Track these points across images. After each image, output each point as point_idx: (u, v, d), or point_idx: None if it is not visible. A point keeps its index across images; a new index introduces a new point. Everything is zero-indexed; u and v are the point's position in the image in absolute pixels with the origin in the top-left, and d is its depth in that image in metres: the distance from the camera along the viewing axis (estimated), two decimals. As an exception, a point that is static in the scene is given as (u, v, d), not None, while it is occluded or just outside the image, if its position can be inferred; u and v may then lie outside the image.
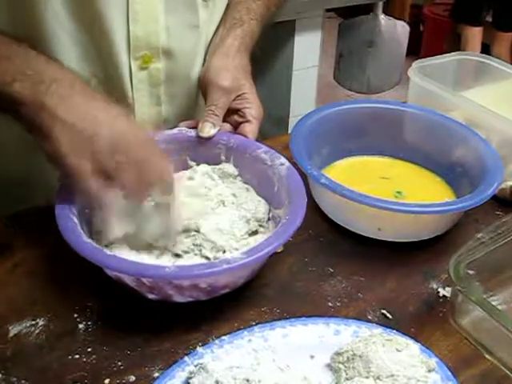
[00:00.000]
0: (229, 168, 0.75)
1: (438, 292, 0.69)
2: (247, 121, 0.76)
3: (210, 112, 0.75)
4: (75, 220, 0.62)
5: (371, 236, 0.75)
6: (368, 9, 2.17)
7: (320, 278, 0.70)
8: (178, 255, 0.66)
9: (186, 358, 0.57)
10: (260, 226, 0.70)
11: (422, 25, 3.67)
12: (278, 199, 0.70)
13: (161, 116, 0.83)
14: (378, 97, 2.30)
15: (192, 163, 0.76)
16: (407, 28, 2.24)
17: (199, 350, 0.58)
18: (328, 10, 2.05)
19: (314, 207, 0.78)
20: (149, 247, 0.66)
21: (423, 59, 0.99)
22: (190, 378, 0.54)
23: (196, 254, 0.66)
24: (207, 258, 0.65)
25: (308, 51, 1.99)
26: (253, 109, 0.77)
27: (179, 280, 0.59)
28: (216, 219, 0.68)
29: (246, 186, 0.74)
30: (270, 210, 0.72)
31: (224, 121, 0.76)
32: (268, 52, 1.95)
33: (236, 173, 0.75)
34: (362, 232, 0.76)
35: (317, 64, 2.05)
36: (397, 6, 3.38)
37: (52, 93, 0.60)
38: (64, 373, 0.57)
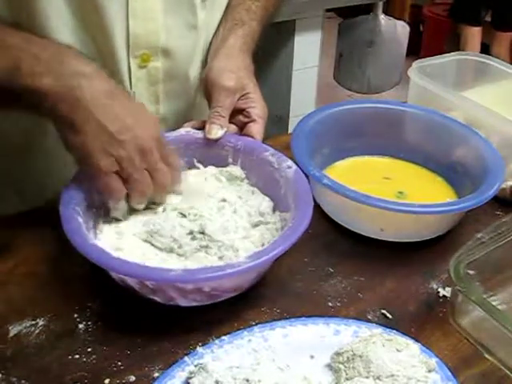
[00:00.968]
0: (236, 171, 0.75)
1: (438, 292, 0.69)
2: (253, 120, 0.76)
3: (216, 114, 0.74)
4: (80, 221, 0.62)
5: (373, 236, 0.75)
6: (368, 9, 2.17)
7: (320, 278, 0.70)
8: (181, 255, 0.66)
9: (186, 358, 0.57)
10: (262, 217, 0.70)
11: (422, 25, 3.67)
12: (285, 202, 0.69)
13: (159, 114, 0.84)
14: (377, 97, 2.30)
15: (199, 165, 0.76)
16: (407, 28, 2.25)
17: (199, 349, 0.58)
18: (328, 10, 2.06)
19: (314, 207, 0.77)
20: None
21: (423, 59, 0.99)
22: (190, 378, 0.54)
23: (204, 255, 0.66)
24: (220, 257, 0.65)
25: (308, 51, 2.00)
26: (258, 108, 0.77)
27: (183, 284, 0.59)
28: (220, 219, 0.67)
29: (253, 188, 0.74)
30: (274, 209, 0.72)
31: (229, 121, 0.76)
32: (268, 52, 1.95)
33: (243, 175, 0.75)
34: (364, 232, 0.76)
35: (317, 64, 2.05)
36: (397, 6, 3.38)
37: (83, 88, 0.61)
38: (64, 373, 0.57)
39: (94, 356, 0.59)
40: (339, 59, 2.27)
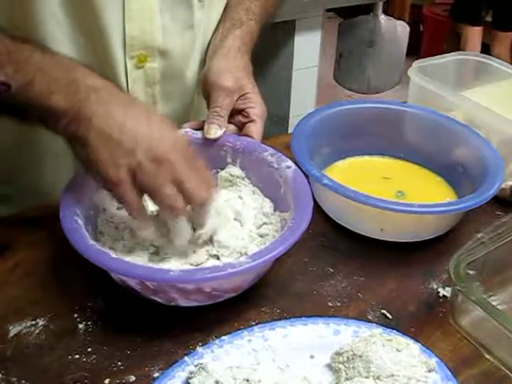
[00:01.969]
0: (236, 171, 0.75)
1: (438, 292, 0.69)
2: (252, 120, 0.76)
3: (215, 114, 0.74)
4: (80, 222, 0.62)
5: (373, 236, 0.75)
6: (368, 9, 2.17)
7: (320, 278, 0.70)
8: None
9: (186, 358, 0.57)
10: (266, 218, 0.70)
11: (422, 25, 3.67)
12: (285, 202, 0.69)
13: None
14: (378, 97, 2.30)
15: None
16: (407, 28, 2.24)
17: (199, 349, 0.58)
18: (328, 10, 2.06)
19: (314, 207, 0.77)
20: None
21: (423, 59, 0.99)
22: (190, 378, 0.54)
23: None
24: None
25: (308, 51, 1.99)
26: (256, 108, 0.77)
27: (183, 284, 0.59)
28: (227, 225, 0.68)
29: (253, 188, 0.74)
30: (274, 209, 0.72)
31: (228, 122, 0.76)
32: (268, 52, 1.95)
33: (243, 175, 0.75)
34: (364, 232, 0.76)
35: (317, 64, 2.05)
36: (397, 6, 3.38)
37: (90, 104, 0.59)
38: (64, 373, 0.57)
39: (93, 356, 0.59)
40: (339, 59, 2.27)
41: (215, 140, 0.74)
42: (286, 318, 0.63)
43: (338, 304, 0.67)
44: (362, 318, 0.64)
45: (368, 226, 0.75)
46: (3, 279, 0.67)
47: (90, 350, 0.60)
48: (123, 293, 0.63)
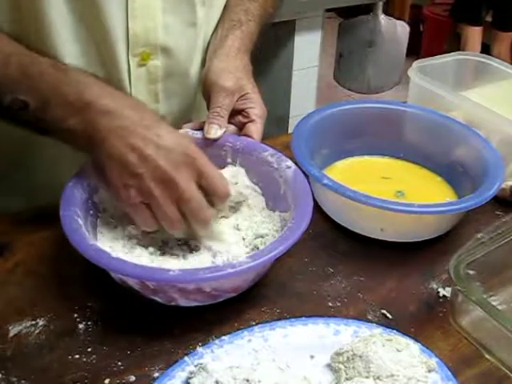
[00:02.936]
0: (235, 170, 0.75)
1: (438, 292, 0.69)
2: (251, 120, 0.76)
3: (215, 114, 0.74)
4: (80, 222, 0.62)
5: (373, 236, 0.75)
6: (368, 9, 2.17)
7: (320, 278, 0.70)
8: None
9: (186, 358, 0.57)
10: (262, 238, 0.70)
11: (422, 25, 3.67)
12: (285, 202, 0.69)
13: (158, 113, 0.83)
14: (378, 97, 2.30)
15: None
16: (407, 28, 2.24)
17: (199, 349, 0.58)
18: (328, 10, 2.06)
19: (314, 207, 0.77)
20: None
21: (423, 59, 0.99)
22: (190, 378, 0.54)
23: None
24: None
25: (308, 51, 2.00)
26: (256, 108, 0.77)
27: (183, 284, 0.59)
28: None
29: (251, 184, 0.74)
30: (274, 209, 0.72)
31: (228, 122, 0.76)
32: (268, 52, 1.95)
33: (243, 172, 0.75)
34: (364, 232, 0.76)
35: (317, 64, 2.05)
36: (397, 6, 3.38)
37: (101, 127, 0.61)
38: (64, 373, 0.57)
39: (93, 356, 0.59)
40: (339, 59, 2.27)
41: (215, 140, 0.74)
42: (286, 318, 0.63)
43: (338, 304, 0.67)
44: (361, 318, 0.64)
45: (368, 226, 0.75)
46: (3, 279, 0.67)
47: (89, 350, 0.60)
48: (123, 293, 0.63)
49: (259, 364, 0.55)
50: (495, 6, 2.85)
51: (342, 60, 2.26)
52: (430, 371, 0.56)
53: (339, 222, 0.78)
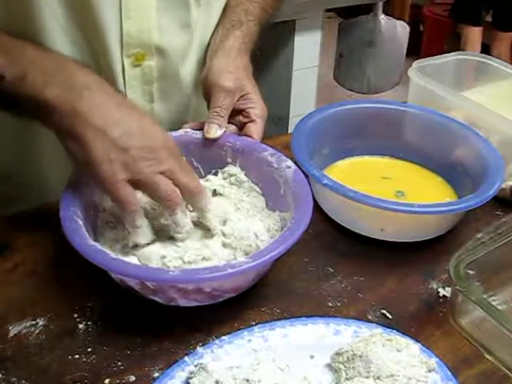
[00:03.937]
0: (234, 170, 0.75)
1: (438, 292, 0.69)
2: (252, 121, 0.77)
3: (216, 114, 0.74)
4: (80, 222, 0.62)
5: (373, 236, 0.75)
6: (368, 9, 2.17)
7: (320, 278, 0.70)
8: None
9: (186, 358, 0.57)
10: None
11: (422, 25, 3.67)
12: (285, 202, 0.69)
13: (153, 113, 0.84)
14: (378, 97, 2.30)
15: (197, 164, 0.76)
16: (407, 28, 2.25)
17: (199, 349, 0.58)
18: (328, 10, 2.06)
19: (314, 207, 0.77)
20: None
21: (423, 59, 0.99)
22: (190, 378, 0.54)
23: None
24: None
25: (308, 51, 2.00)
26: (257, 108, 0.77)
27: (183, 284, 0.59)
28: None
29: (253, 186, 0.75)
30: (273, 209, 0.72)
31: (228, 122, 0.76)
32: (268, 52, 1.95)
33: (243, 175, 0.75)
34: (364, 233, 0.76)
35: (317, 64, 2.05)
36: (397, 6, 3.38)
37: (84, 100, 0.60)
38: (64, 373, 0.57)
39: (93, 356, 0.59)
40: (339, 59, 2.27)
41: (215, 140, 0.74)
42: (286, 318, 0.63)
43: (338, 304, 0.67)
44: (362, 318, 0.64)
45: (368, 226, 0.75)
46: (3, 279, 0.67)
47: (90, 350, 0.60)
48: (123, 293, 0.63)
49: (259, 364, 0.55)
50: (495, 6, 2.84)
51: (342, 60, 2.26)
52: (429, 371, 0.56)
53: (339, 222, 0.78)
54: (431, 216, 0.73)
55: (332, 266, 0.72)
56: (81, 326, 0.62)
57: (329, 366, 0.58)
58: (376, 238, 0.75)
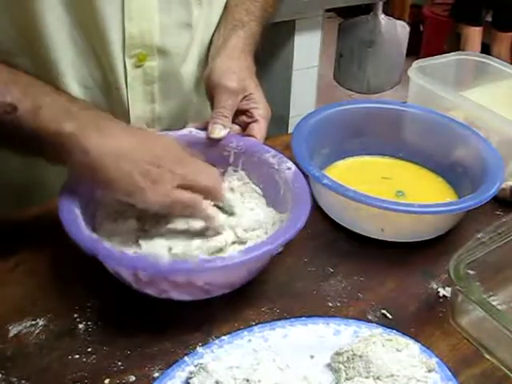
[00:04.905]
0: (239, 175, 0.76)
1: (438, 292, 0.69)
2: (255, 121, 0.77)
3: (219, 114, 0.74)
4: (77, 212, 0.62)
5: (373, 236, 0.75)
6: (368, 9, 2.17)
7: (320, 278, 0.70)
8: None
9: (186, 358, 0.57)
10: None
11: (422, 25, 3.67)
12: (284, 203, 0.69)
13: (155, 113, 0.84)
14: (378, 97, 2.30)
15: None
16: (407, 28, 2.25)
17: (199, 349, 0.58)
18: (328, 10, 2.05)
19: (314, 207, 0.77)
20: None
21: (423, 59, 0.99)
22: (190, 378, 0.54)
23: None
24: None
25: (308, 51, 2.00)
26: (260, 108, 0.77)
27: (174, 275, 0.59)
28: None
29: (254, 186, 0.75)
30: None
31: (232, 122, 0.76)
32: (268, 52, 1.95)
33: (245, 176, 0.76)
34: (364, 233, 0.76)
35: (317, 64, 2.05)
36: (397, 6, 3.38)
37: (91, 132, 0.60)
38: (64, 373, 0.57)
39: (93, 356, 0.59)
40: (339, 59, 2.27)
41: (219, 140, 0.75)
42: (286, 318, 0.63)
43: (338, 304, 0.67)
44: (362, 318, 0.64)
45: (368, 226, 0.75)
46: (3, 279, 0.67)
47: (89, 350, 0.60)
48: (123, 293, 0.63)
49: (259, 364, 0.55)
50: (495, 6, 2.85)
51: (342, 60, 2.27)
52: (429, 371, 0.56)
53: (339, 222, 0.78)
54: (431, 216, 0.73)
55: (332, 266, 0.72)
56: (81, 325, 0.62)
57: (329, 365, 0.58)
58: (376, 237, 0.75)
